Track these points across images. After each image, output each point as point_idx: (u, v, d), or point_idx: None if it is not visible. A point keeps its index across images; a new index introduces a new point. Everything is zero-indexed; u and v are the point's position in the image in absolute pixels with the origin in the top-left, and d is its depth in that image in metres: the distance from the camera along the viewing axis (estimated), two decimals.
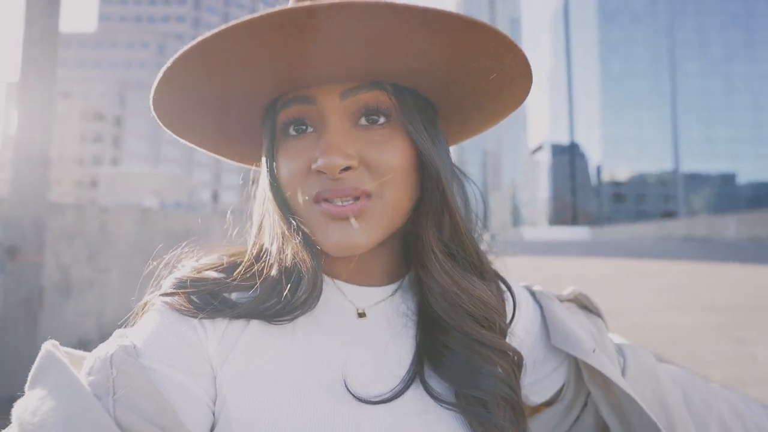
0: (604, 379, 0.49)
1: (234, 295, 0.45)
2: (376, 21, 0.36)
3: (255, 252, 0.48)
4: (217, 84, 0.42)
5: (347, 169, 0.42)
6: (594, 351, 0.50)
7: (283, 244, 0.44)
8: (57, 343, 0.38)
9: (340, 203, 0.43)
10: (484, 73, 0.43)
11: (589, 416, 0.53)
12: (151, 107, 0.43)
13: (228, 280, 0.45)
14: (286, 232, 0.44)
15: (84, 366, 0.37)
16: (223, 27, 0.35)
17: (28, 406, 0.33)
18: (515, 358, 0.48)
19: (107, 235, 4.32)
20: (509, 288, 0.53)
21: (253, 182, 0.54)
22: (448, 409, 0.44)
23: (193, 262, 0.48)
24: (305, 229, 0.44)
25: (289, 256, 0.43)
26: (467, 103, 0.49)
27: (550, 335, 0.53)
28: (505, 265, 0.55)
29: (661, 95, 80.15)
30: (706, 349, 3.99)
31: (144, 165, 67.82)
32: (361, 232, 0.43)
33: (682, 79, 79.10)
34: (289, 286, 0.43)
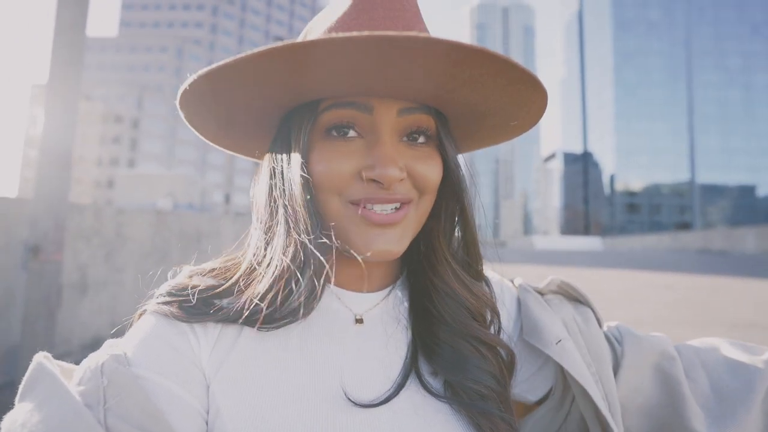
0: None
1: (225, 301, 0.44)
2: (468, 60, 0.38)
3: (251, 256, 0.47)
4: (264, 80, 0.41)
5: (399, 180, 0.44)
6: (558, 342, 0.50)
7: (288, 242, 0.44)
8: (49, 355, 0.38)
9: (381, 211, 0.44)
10: (515, 110, 0.47)
11: (576, 410, 0.53)
12: (180, 93, 0.42)
13: (221, 286, 0.45)
14: (306, 229, 0.43)
15: (74, 376, 0.37)
16: (311, 40, 0.35)
17: (18, 418, 0.33)
18: (507, 355, 0.50)
19: (123, 236, 4.42)
20: (489, 285, 0.56)
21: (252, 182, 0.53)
22: (443, 402, 0.45)
23: (191, 267, 0.49)
24: (324, 232, 0.43)
25: (290, 256, 0.43)
26: (480, 125, 0.51)
27: (523, 328, 0.54)
28: (515, 273, 0.56)
29: (677, 105, 79.00)
30: None
31: (159, 166, 69.06)
32: (400, 240, 0.45)
33: (700, 89, 77.92)
34: (282, 290, 0.42)
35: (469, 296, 0.49)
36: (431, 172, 0.46)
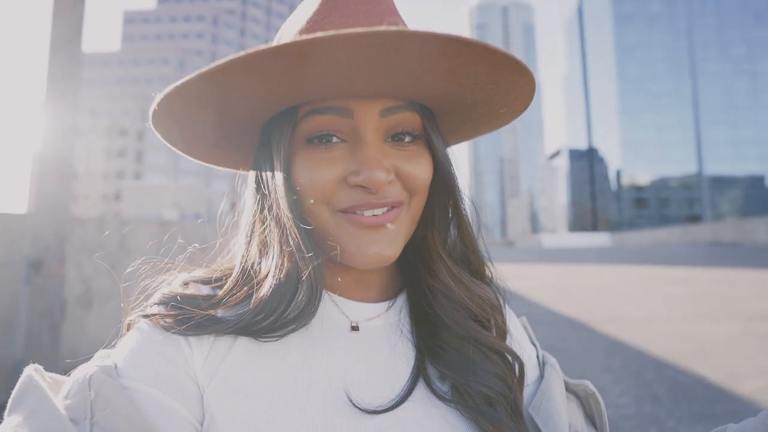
0: None
1: (221, 311, 0.43)
2: (448, 51, 0.37)
3: (245, 265, 0.46)
4: (239, 90, 0.39)
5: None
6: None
7: (282, 254, 0.43)
8: (40, 367, 0.38)
9: (372, 213, 0.42)
10: (502, 97, 0.45)
11: None
12: (151, 112, 0.41)
13: (216, 296, 0.44)
14: (297, 243, 0.42)
15: (63, 389, 0.36)
16: (284, 44, 0.34)
17: None
18: (515, 363, 0.48)
19: (127, 247, 4.42)
20: (497, 289, 0.54)
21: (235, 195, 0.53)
22: (452, 407, 0.44)
23: (184, 275, 0.48)
24: (322, 240, 0.43)
25: (285, 268, 0.42)
26: (468, 116, 0.49)
27: (532, 402, 0.49)
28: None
29: (682, 97, 78.18)
30: (738, 361, 3.80)
31: (164, 177, 69.70)
32: (391, 243, 0.43)
33: (704, 79, 77.04)
34: (280, 301, 0.42)
35: (466, 294, 0.47)
36: (420, 171, 0.44)
